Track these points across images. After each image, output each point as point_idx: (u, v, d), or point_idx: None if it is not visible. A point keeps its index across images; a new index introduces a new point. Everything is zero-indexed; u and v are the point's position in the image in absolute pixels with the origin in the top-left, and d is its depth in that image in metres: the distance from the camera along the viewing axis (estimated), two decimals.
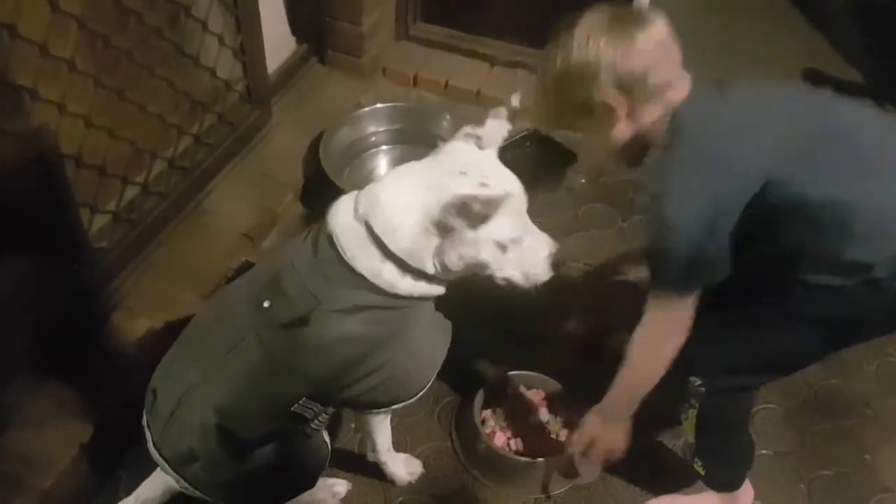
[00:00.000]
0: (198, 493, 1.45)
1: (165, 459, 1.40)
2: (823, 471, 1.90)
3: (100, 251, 1.98)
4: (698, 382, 1.53)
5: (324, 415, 1.46)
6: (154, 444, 1.41)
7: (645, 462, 1.88)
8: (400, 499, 1.80)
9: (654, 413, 2.00)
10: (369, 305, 1.33)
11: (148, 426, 1.43)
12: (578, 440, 1.63)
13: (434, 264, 1.33)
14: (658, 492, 1.84)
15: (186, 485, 1.42)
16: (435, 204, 1.27)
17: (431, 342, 1.48)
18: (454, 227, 1.28)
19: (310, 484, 1.56)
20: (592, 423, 1.60)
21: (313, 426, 1.46)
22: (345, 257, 1.31)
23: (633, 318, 2.25)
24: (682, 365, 1.57)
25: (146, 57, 1.98)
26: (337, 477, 1.79)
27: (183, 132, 2.24)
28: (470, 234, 1.30)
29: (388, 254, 1.30)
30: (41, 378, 1.79)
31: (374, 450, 1.72)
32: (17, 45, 1.58)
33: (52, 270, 1.77)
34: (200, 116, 2.32)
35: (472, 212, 1.26)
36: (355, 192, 1.38)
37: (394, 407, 1.53)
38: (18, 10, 1.55)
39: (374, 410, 1.56)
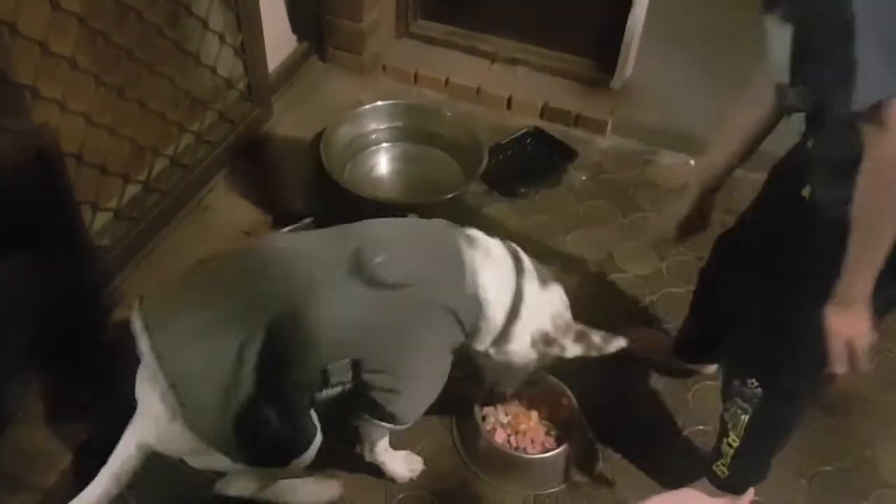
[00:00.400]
0: (173, 427, 1.38)
1: (165, 373, 1.34)
2: (824, 466, 1.91)
3: (101, 249, 1.98)
4: (756, 384, 1.44)
5: (339, 387, 1.49)
6: (157, 353, 1.34)
7: (645, 460, 1.89)
8: (401, 495, 1.81)
9: (654, 411, 2.02)
10: (449, 307, 1.49)
11: (148, 331, 1.36)
12: (839, 348, 1.28)
13: (512, 337, 1.57)
14: (658, 489, 1.84)
15: (174, 401, 1.34)
16: (555, 321, 1.60)
17: (442, 367, 1.60)
18: (556, 342, 1.60)
19: (284, 461, 1.51)
20: (840, 320, 1.26)
21: (323, 394, 1.49)
22: (473, 270, 1.51)
23: (632, 318, 2.23)
24: (740, 365, 1.52)
25: (147, 55, 1.98)
26: (337, 473, 1.79)
27: (184, 130, 2.25)
28: (559, 351, 1.61)
29: (514, 311, 1.55)
30: (42, 376, 1.80)
31: (371, 450, 1.72)
32: (17, 43, 1.58)
33: (53, 268, 1.77)
34: (201, 114, 2.33)
35: (585, 341, 1.60)
36: (509, 252, 1.59)
37: (386, 426, 1.60)
38: (19, 8, 1.55)
39: (373, 419, 1.60)
